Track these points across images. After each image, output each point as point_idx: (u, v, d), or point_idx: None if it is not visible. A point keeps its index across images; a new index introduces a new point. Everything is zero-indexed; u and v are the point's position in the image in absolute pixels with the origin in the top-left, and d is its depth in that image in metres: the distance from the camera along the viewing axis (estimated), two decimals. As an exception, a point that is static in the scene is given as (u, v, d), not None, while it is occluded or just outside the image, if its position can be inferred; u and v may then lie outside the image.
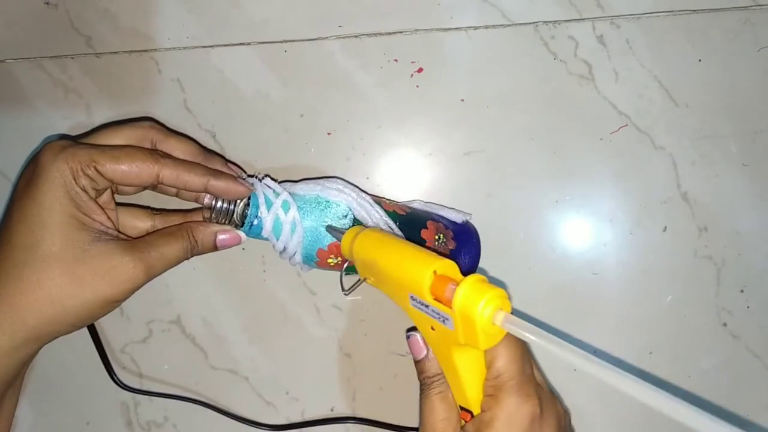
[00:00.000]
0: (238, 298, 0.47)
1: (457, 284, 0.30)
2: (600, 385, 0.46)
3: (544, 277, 0.46)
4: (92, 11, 0.46)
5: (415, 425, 0.47)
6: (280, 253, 0.40)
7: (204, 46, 0.46)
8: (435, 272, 0.31)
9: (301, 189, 0.40)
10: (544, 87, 0.46)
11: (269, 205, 0.39)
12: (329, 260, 0.40)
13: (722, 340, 0.46)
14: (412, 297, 0.33)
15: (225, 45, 0.46)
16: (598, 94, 0.45)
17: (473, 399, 0.34)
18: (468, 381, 0.34)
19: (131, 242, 0.36)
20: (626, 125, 0.46)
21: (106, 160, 0.34)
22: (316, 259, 0.40)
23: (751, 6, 0.45)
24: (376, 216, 0.40)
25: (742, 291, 0.45)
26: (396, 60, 0.45)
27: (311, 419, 0.47)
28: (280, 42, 0.46)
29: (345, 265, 0.40)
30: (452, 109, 0.46)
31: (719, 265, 0.46)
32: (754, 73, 0.45)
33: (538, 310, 0.47)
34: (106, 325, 0.47)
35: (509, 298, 0.30)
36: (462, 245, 0.43)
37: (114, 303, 0.35)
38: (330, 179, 0.42)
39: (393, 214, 0.41)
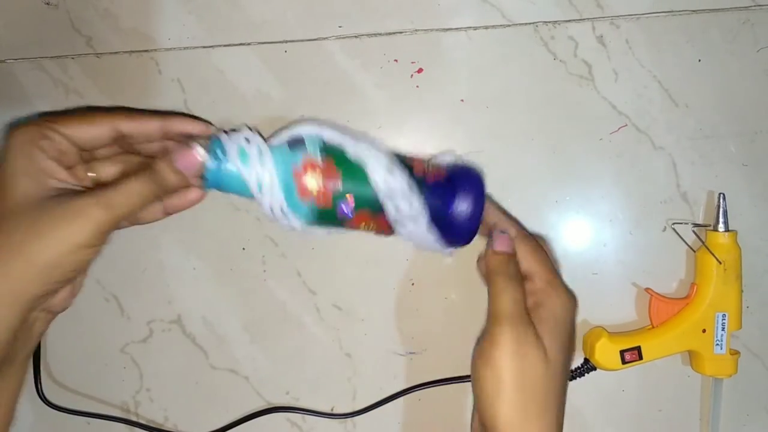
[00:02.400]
0: (239, 297, 0.47)
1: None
2: (600, 386, 0.46)
3: (543, 277, 0.46)
4: (93, 11, 0.46)
5: (414, 427, 0.47)
6: (258, 193, 0.38)
7: (204, 47, 0.46)
8: None
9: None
10: (543, 87, 0.46)
11: (233, 138, 0.38)
12: (307, 182, 0.38)
13: (722, 340, 0.46)
14: (723, 315, 0.44)
15: (225, 45, 0.46)
16: (597, 94, 0.45)
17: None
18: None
19: (92, 189, 0.36)
20: (626, 125, 0.46)
21: (64, 120, 0.37)
22: (295, 186, 0.38)
23: (751, 6, 0.45)
24: (349, 137, 0.39)
25: (741, 291, 0.45)
26: (396, 60, 0.46)
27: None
28: (281, 42, 0.46)
29: (333, 189, 0.38)
30: (452, 109, 0.46)
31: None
32: (753, 74, 0.45)
33: (537, 310, 0.47)
34: (105, 325, 0.48)
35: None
36: (459, 182, 0.39)
37: (81, 247, 0.34)
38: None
39: None
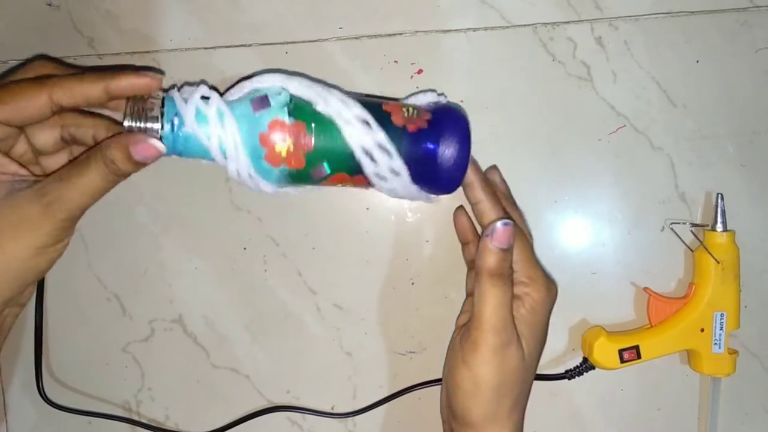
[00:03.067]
0: (240, 297, 0.48)
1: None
2: (599, 385, 0.47)
3: (543, 276, 0.47)
4: (94, 12, 0.46)
5: (415, 426, 0.48)
6: (222, 159, 0.35)
7: (205, 48, 0.46)
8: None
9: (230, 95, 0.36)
10: (543, 88, 0.46)
11: (187, 100, 0.34)
12: (276, 144, 0.34)
13: (720, 339, 0.47)
14: (720, 314, 0.44)
15: (226, 46, 0.46)
16: (596, 95, 0.46)
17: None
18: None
19: (42, 183, 0.33)
20: (624, 126, 0.46)
21: None
22: (263, 150, 0.34)
23: (749, 7, 0.45)
24: (318, 88, 0.36)
25: (740, 290, 0.45)
26: (396, 61, 0.46)
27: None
28: (281, 43, 0.46)
29: (305, 150, 0.35)
30: (452, 109, 0.46)
31: (717, 264, 0.46)
32: (751, 74, 0.45)
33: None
34: (107, 324, 0.48)
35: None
36: (442, 126, 0.37)
37: (46, 248, 0.33)
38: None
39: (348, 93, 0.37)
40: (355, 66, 0.46)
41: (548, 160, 0.46)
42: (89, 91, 0.34)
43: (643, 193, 0.46)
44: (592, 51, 0.45)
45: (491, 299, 0.37)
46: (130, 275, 0.48)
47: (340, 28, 0.46)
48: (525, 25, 0.45)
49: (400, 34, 0.46)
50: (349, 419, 0.48)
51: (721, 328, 0.44)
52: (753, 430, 0.47)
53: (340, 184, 0.38)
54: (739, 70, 0.45)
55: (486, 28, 0.46)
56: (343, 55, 0.46)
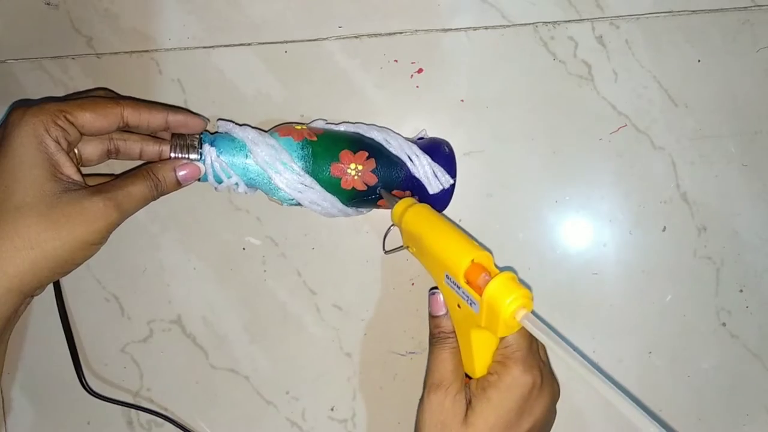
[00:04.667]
0: (239, 297, 0.47)
1: (491, 276, 0.34)
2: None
3: (544, 276, 0.47)
4: (93, 12, 0.46)
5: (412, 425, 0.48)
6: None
7: (204, 47, 0.46)
8: (473, 260, 0.35)
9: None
10: (543, 87, 0.46)
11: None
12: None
13: (721, 339, 0.47)
14: (447, 276, 0.37)
15: (225, 45, 0.46)
16: (597, 95, 0.46)
17: (479, 369, 0.38)
18: (478, 354, 0.37)
19: (99, 186, 0.37)
20: (625, 125, 0.46)
21: (74, 108, 0.36)
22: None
23: (750, 6, 0.45)
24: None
25: (741, 291, 0.45)
26: (396, 60, 0.46)
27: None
28: (281, 42, 0.46)
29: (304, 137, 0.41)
30: (452, 109, 0.46)
31: (718, 265, 0.46)
32: (753, 74, 0.45)
33: (538, 309, 0.47)
34: (106, 325, 0.48)
35: (532, 299, 0.34)
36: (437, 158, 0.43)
37: (92, 245, 0.36)
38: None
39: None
40: (355, 65, 0.46)
41: (549, 159, 0.46)
42: (153, 116, 0.39)
43: (644, 193, 0.46)
44: (593, 50, 0.45)
45: (433, 361, 0.40)
46: (129, 275, 0.47)
47: (340, 26, 0.45)
48: (525, 24, 0.45)
49: (400, 33, 0.46)
50: (349, 420, 0.48)
51: (459, 287, 0.36)
52: (754, 431, 0.47)
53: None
54: (741, 69, 0.45)
55: (486, 27, 0.45)
56: (342, 54, 0.46)
